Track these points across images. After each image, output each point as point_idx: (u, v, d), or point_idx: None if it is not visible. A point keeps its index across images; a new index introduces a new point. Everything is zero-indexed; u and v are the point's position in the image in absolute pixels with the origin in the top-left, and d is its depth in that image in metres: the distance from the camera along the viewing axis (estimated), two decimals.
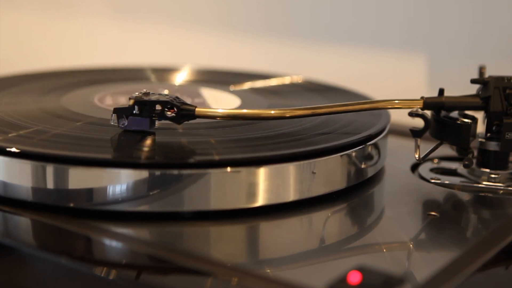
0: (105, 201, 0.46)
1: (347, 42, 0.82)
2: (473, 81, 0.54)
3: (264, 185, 0.47)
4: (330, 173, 0.50)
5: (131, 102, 0.50)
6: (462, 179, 0.55)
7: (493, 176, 0.54)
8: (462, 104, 0.53)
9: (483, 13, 0.75)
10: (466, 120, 0.53)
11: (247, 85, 0.69)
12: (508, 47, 0.73)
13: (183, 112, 0.50)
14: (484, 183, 0.54)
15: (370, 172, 0.54)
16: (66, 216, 0.46)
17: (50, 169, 0.46)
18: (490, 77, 0.53)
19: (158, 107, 0.50)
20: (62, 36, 1.03)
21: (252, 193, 0.47)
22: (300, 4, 0.85)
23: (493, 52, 0.74)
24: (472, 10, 0.75)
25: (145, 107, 0.50)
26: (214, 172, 0.46)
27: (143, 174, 0.45)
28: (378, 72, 0.80)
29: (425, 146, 0.53)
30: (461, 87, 0.55)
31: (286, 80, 0.72)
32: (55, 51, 1.04)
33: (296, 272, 0.41)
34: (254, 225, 0.47)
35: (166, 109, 0.50)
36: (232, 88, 0.68)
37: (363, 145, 0.52)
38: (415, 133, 0.51)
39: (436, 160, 0.59)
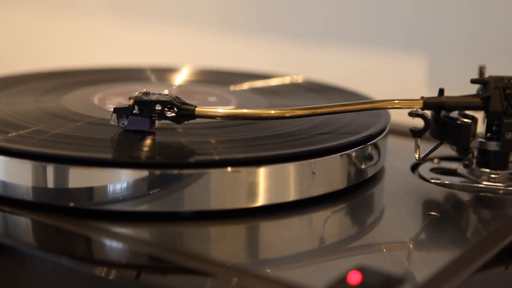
0: (105, 201, 0.46)
1: (347, 42, 0.82)
2: (473, 81, 0.54)
3: (264, 185, 0.47)
4: (330, 173, 0.50)
5: (131, 102, 0.50)
6: (462, 179, 0.55)
7: (493, 176, 0.54)
8: (462, 104, 0.53)
9: (483, 13, 0.75)
10: (466, 120, 0.52)
11: (247, 85, 0.69)
12: (508, 47, 0.73)
13: (183, 112, 0.50)
14: (484, 183, 0.54)
15: (370, 172, 0.54)
16: (66, 216, 0.46)
17: (50, 169, 0.46)
18: (490, 77, 0.53)
19: (158, 107, 0.50)
20: (62, 36, 1.03)
21: (252, 193, 0.47)
22: (300, 4, 0.85)
23: (493, 52, 0.74)
24: (472, 10, 0.75)
25: (145, 107, 0.50)
26: (214, 172, 0.46)
27: (143, 174, 0.45)
28: (378, 72, 0.80)
29: (425, 146, 0.53)
30: (461, 87, 0.55)
31: (286, 80, 0.72)
32: (55, 51, 1.04)
33: (296, 272, 0.41)
34: (254, 225, 0.47)
35: (166, 109, 0.50)
36: (232, 88, 0.68)
37: (363, 145, 0.52)
38: (415, 133, 0.51)
39: (436, 160, 0.59)
